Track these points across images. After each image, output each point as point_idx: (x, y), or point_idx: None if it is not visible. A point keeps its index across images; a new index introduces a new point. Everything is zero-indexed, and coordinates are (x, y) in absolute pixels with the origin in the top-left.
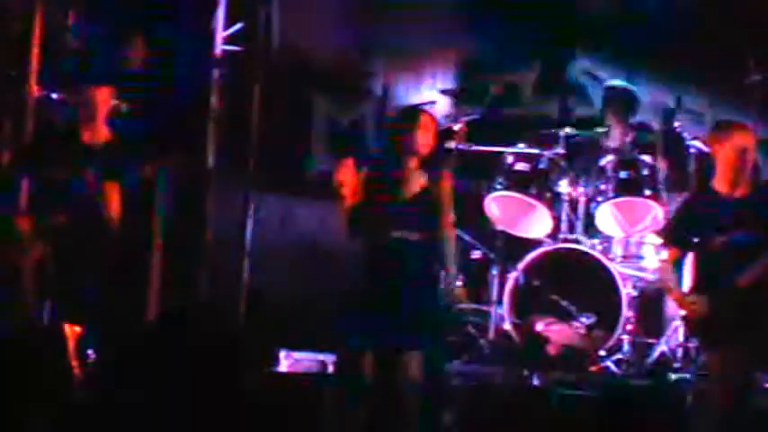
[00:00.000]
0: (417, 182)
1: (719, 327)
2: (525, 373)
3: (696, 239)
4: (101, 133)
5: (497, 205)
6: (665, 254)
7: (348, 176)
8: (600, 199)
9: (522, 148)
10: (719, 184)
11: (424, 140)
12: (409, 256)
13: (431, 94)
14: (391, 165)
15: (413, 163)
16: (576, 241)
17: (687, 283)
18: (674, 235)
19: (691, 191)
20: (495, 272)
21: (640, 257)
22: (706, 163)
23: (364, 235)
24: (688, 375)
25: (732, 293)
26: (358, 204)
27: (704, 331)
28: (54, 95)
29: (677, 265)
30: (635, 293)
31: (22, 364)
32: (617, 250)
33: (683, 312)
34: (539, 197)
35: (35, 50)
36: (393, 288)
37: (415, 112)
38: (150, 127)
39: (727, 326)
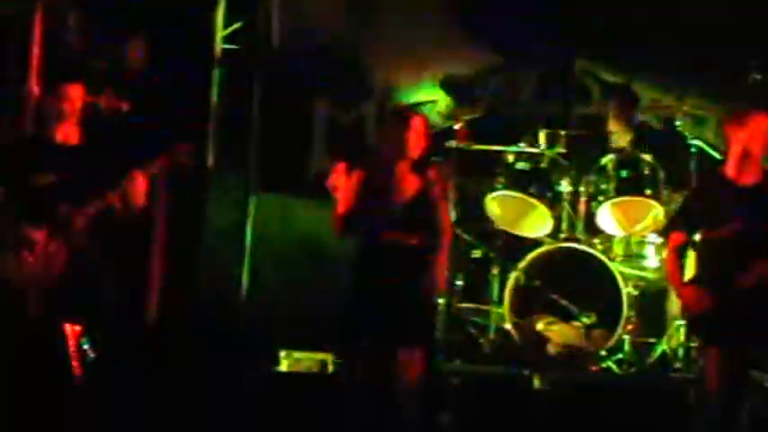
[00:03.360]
0: (411, 184)
1: (720, 322)
2: (525, 373)
3: (702, 226)
4: (74, 133)
5: (497, 205)
6: (672, 237)
7: (341, 180)
8: (601, 198)
9: (522, 147)
10: (729, 169)
11: (414, 143)
12: (404, 258)
13: (431, 93)
14: (384, 167)
15: (405, 166)
16: (577, 241)
17: (688, 273)
18: (681, 218)
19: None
20: (495, 272)
21: (641, 257)
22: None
23: (359, 237)
24: (688, 375)
25: (735, 289)
26: (352, 207)
27: (704, 326)
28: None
29: (681, 252)
30: (635, 293)
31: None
32: (617, 250)
33: (680, 305)
34: (539, 196)
35: (35, 50)
36: (389, 289)
37: (405, 114)
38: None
39: (729, 322)
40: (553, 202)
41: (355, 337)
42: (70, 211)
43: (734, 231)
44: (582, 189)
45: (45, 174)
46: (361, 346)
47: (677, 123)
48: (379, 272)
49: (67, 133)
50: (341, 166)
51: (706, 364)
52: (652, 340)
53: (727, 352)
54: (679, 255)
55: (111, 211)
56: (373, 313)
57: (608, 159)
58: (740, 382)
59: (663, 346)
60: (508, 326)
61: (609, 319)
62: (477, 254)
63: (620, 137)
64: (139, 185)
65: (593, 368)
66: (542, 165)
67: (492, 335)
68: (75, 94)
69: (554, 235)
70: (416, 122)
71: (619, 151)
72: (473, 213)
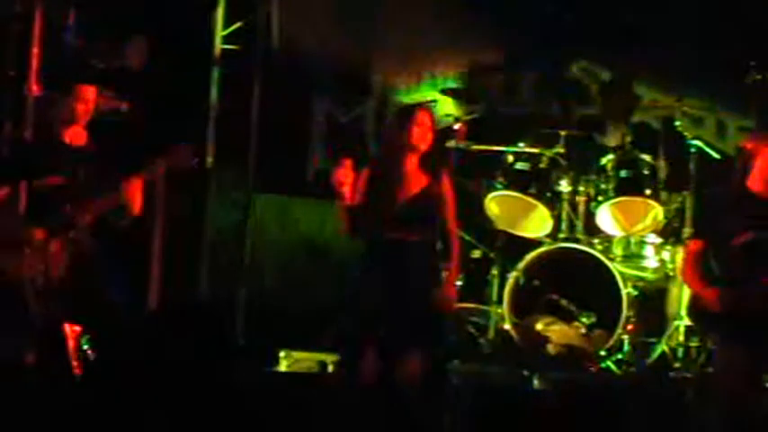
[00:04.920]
0: (418, 181)
1: (737, 323)
2: (525, 373)
3: (722, 234)
4: (82, 135)
5: (497, 205)
6: (690, 244)
7: (347, 177)
8: (600, 198)
9: (522, 147)
10: (754, 183)
11: (420, 137)
12: (410, 256)
13: (431, 93)
14: (390, 164)
15: (412, 162)
16: (576, 241)
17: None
18: (704, 227)
19: (730, 186)
20: (494, 272)
21: (641, 257)
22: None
23: (364, 235)
24: (688, 374)
25: (754, 291)
26: (357, 204)
27: (719, 326)
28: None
29: (700, 257)
30: (635, 293)
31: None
32: (617, 250)
33: (687, 304)
34: (539, 197)
35: (35, 50)
36: (394, 288)
37: (411, 108)
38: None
39: (746, 323)
40: (553, 202)
41: (359, 336)
42: (73, 212)
43: (752, 241)
44: (581, 189)
45: (52, 174)
46: (363, 344)
47: (677, 123)
48: (384, 271)
49: (76, 134)
50: (347, 162)
51: (718, 361)
52: (652, 340)
53: (743, 351)
54: (697, 261)
55: (109, 215)
56: (377, 313)
57: (607, 159)
58: (748, 381)
59: (663, 346)
60: (508, 326)
61: (609, 319)
62: (476, 254)
63: (614, 134)
64: (136, 191)
65: (593, 368)
66: (542, 165)
67: (492, 335)
68: (90, 95)
69: (554, 235)
70: (422, 116)
71: (618, 151)
72: (473, 213)
